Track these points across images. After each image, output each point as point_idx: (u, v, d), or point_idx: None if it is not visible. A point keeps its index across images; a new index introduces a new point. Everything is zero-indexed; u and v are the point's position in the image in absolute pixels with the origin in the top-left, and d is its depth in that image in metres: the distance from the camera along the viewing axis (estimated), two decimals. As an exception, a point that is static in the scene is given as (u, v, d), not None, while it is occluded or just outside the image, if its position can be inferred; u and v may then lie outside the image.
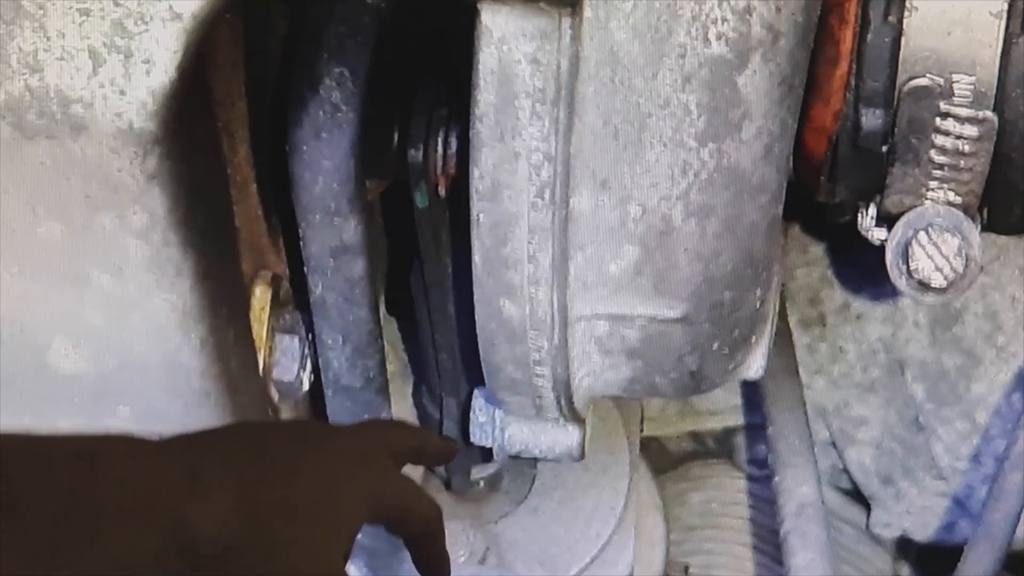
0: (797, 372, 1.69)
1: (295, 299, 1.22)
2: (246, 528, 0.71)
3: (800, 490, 1.57)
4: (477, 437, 1.32)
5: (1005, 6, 1.04)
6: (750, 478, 1.80)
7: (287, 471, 0.75)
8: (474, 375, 1.26)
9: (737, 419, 1.83)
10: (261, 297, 1.18)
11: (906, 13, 1.05)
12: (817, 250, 1.76)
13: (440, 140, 1.16)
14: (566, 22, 0.97)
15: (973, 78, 1.05)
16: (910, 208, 1.10)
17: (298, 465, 0.76)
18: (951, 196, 1.09)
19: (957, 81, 1.05)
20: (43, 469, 0.67)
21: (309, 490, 0.75)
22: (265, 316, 1.18)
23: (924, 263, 1.10)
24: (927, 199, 1.10)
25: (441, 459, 1.03)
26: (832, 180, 1.13)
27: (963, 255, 1.09)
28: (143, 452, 0.72)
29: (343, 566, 0.76)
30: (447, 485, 1.53)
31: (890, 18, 1.05)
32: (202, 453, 0.73)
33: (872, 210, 1.12)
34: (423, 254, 1.26)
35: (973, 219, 1.10)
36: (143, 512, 0.69)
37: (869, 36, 1.05)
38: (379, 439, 0.85)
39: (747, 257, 1.09)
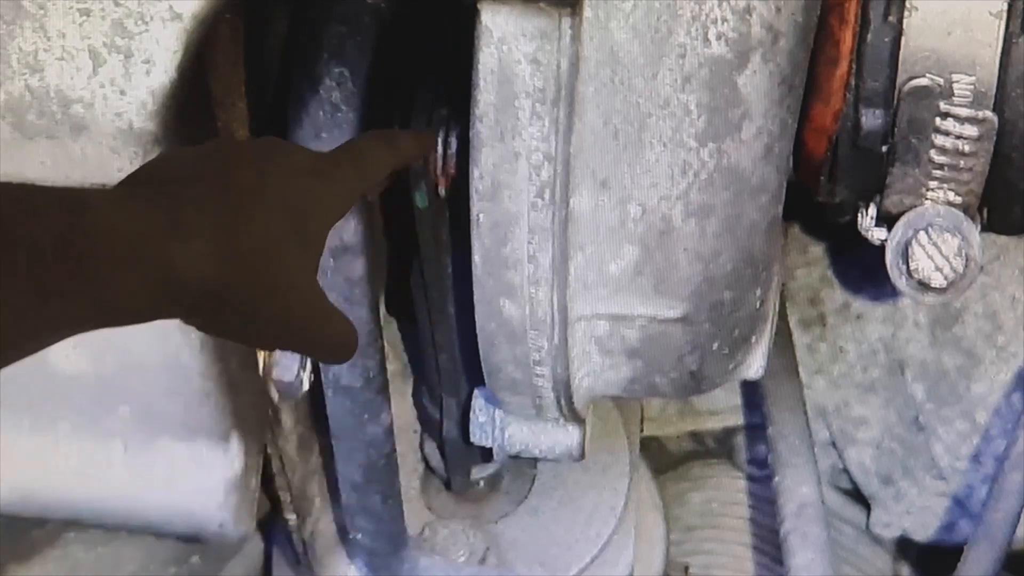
0: (797, 372, 1.69)
1: (295, 299, 1.22)
2: (228, 271, 0.73)
3: (800, 490, 1.57)
4: (477, 437, 1.32)
5: (1005, 6, 1.04)
6: (750, 478, 1.80)
7: (256, 202, 0.77)
8: (474, 375, 1.26)
9: (737, 419, 1.83)
10: (261, 297, 1.18)
11: (906, 13, 1.05)
12: (817, 250, 1.76)
13: (440, 140, 1.16)
14: (566, 22, 0.97)
15: (973, 78, 1.05)
16: (910, 208, 1.10)
17: (265, 193, 0.78)
18: (951, 196, 1.09)
19: (957, 81, 1.05)
20: (31, 215, 0.67)
21: (279, 218, 0.78)
22: (265, 316, 1.18)
23: (924, 263, 1.10)
24: (927, 199, 1.10)
25: (417, 150, 1.02)
26: (832, 180, 1.13)
27: (963, 255, 1.09)
28: (126, 199, 0.72)
29: (319, 287, 0.81)
30: (447, 485, 1.53)
31: (890, 18, 1.05)
32: (179, 198, 0.73)
33: (872, 210, 1.12)
34: (423, 254, 1.26)
35: (973, 219, 1.10)
36: (130, 257, 0.69)
37: (869, 36, 1.05)
38: (342, 149, 0.90)
39: (747, 257, 1.09)
